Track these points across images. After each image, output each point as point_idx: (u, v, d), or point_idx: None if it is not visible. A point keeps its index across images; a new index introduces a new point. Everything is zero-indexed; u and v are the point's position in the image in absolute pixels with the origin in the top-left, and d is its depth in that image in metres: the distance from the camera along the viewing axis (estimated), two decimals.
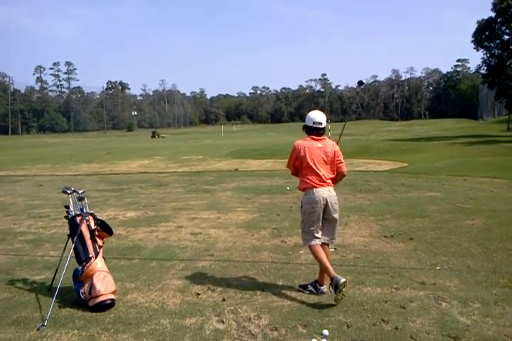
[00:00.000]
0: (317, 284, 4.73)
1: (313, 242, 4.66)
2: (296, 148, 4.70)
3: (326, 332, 3.70)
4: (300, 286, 4.80)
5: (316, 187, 4.63)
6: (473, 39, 39.66)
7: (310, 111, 4.93)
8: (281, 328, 3.89)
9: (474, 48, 39.92)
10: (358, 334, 3.72)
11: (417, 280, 5.00)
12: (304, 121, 4.80)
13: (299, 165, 4.72)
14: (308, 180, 4.65)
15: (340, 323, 3.96)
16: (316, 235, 4.67)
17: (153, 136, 62.36)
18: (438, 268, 5.40)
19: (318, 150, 4.67)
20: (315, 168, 4.64)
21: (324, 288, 4.69)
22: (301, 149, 4.66)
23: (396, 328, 3.84)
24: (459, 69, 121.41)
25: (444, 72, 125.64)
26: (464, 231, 7.04)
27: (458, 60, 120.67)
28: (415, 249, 6.18)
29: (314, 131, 4.71)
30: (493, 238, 6.65)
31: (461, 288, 4.74)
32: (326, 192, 4.66)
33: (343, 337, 3.68)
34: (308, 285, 4.74)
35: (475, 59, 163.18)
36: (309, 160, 4.63)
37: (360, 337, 3.63)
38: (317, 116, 4.73)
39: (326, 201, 4.65)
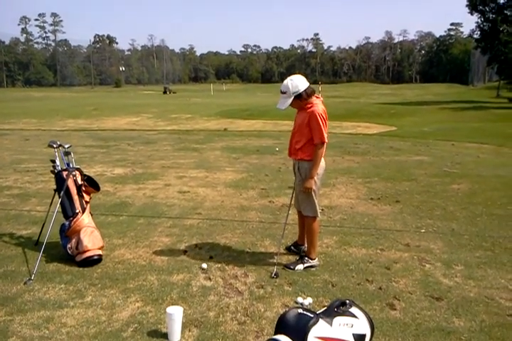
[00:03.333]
0: (309, 259, 4.37)
1: (316, 214, 4.37)
2: (323, 115, 4.11)
3: (300, 299, 3.70)
4: (287, 266, 4.34)
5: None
6: (467, 3, 38.87)
7: (301, 71, 4.63)
8: (268, 286, 3.95)
9: (469, 12, 39.19)
10: (343, 293, 3.79)
11: (401, 242, 5.07)
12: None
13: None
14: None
15: (325, 282, 4.03)
16: (318, 205, 4.39)
17: (165, 92, 62.31)
18: (423, 230, 5.48)
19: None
20: None
21: (316, 261, 4.40)
22: (324, 117, 4.12)
23: (380, 288, 3.91)
24: (452, 33, 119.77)
25: (437, 35, 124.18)
26: (449, 195, 7.12)
27: (452, 24, 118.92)
28: (401, 212, 6.25)
29: (311, 90, 4.16)
30: (478, 202, 6.73)
31: (444, 250, 4.83)
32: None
33: (327, 296, 3.75)
34: (298, 266, 4.30)
35: (469, 23, 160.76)
36: (326, 125, 4.19)
37: (344, 296, 3.70)
38: (303, 77, 4.24)
39: (324, 169, 4.43)
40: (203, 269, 4.30)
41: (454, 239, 5.17)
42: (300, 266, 4.30)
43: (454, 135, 15.66)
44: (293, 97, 4.10)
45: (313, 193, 4.29)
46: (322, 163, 4.29)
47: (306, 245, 4.59)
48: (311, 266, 4.34)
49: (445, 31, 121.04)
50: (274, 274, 4.14)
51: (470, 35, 45.37)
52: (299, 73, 4.49)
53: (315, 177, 4.23)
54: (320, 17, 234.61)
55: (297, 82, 4.10)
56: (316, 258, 4.42)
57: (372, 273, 4.22)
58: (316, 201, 4.33)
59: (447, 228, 5.58)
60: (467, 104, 30.22)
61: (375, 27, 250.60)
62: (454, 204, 6.65)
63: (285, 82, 4.16)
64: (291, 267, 4.30)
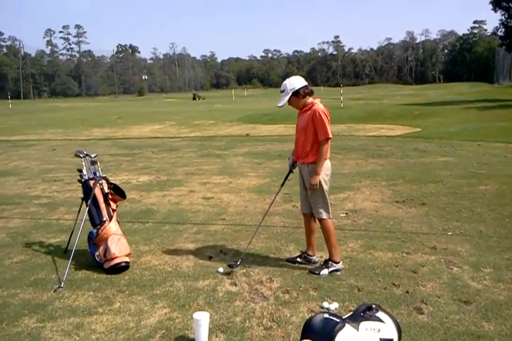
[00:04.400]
0: (333, 263, 4.32)
1: (331, 215, 4.40)
2: (325, 113, 4.19)
3: (326, 304, 3.69)
4: (311, 272, 4.32)
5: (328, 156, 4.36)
6: (491, 0, 38.23)
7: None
8: (293, 291, 3.95)
9: (492, 9, 38.53)
10: (369, 298, 3.77)
11: (428, 245, 5.01)
12: (312, 84, 4.51)
13: None
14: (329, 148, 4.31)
15: (351, 287, 4.01)
16: (329, 207, 4.41)
17: (194, 98, 63.12)
18: (450, 233, 5.40)
19: None
20: None
21: (341, 264, 4.36)
22: (327, 114, 4.20)
23: (407, 292, 3.87)
24: (475, 31, 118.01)
25: (460, 34, 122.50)
26: (476, 197, 7.01)
27: (475, 22, 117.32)
28: (427, 214, 6.18)
29: (310, 89, 4.26)
30: (506, 203, 6.61)
31: (472, 253, 4.75)
32: None
33: (353, 301, 3.73)
34: (323, 270, 4.27)
35: (492, 20, 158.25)
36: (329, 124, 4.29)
37: (370, 300, 3.67)
38: (300, 77, 4.36)
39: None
40: (219, 273, 4.35)
41: (482, 242, 5.08)
42: (325, 271, 4.27)
43: (479, 135, 15.39)
44: (290, 94, 4.22)
45: (325, 193, 4.31)
46: (328, 164, 4.34)
47: (315, 256, 4.57)
48: (336, 270, 4.31)
49: (468, 29, 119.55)
50: (231, 264, 4.37)
51: (494, 33, 44.50)
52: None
53: (325, 178, 4.29)
54: (340, 19, 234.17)
55: (294, 81, 4.27)
56: (341, 262, 4.38)
57: (398, 277, 4.19)
58: (325, 203, 4.34)
59: (475, 230, 5.49)
60: (492, 102, 29.65)
61: (396, 27, 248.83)
62: (481, 205, 6.55)
63: (284, 82, 4.32)
64: (316, 272, 4.28)
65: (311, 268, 4.37)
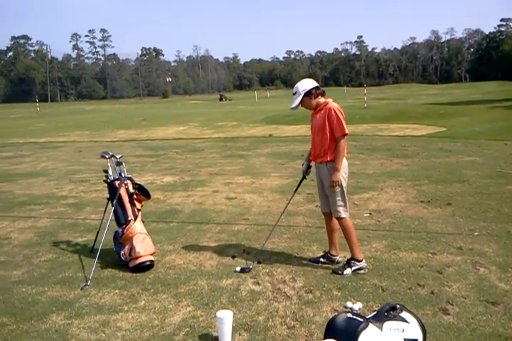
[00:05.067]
0: (356, 262, 4.30)
1: (348, 214, 4.38)
2: (340, 111, 4.22)
3: (349, 304, 3.67)
4: (335, 272, 4.31)
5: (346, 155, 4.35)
6: None
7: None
8: (316, 291, 3.95)
9: None
10: (393, 298, 3.74)
11: (454, 245, 4.94)
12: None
13: None
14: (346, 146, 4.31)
15: (375, 287, 3.98)
16: (348, 205, 4.40)
17: (221, 99, 63.79)
18: (476, 233, 5.32)
19: None
20: None
21: (364, 263, 4.34)
22: (342, 111, 4.25)
23: (432, 292, 3.83)
24: (502, 29, 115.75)
25: (487, 32, 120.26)
26: (504, 197, 6.88)
27: (501, 20, 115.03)
28: (453, 214, 6.09)
29: (321, 90, 4.35)
30: None
31: (500, 253, 4.67)
32: None
33: (377, 301, 3.70)
34: (346, 270, 4.26)
35: None
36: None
37: (395, 300, 3.64)
38: (311, 79, 4.43)
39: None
40: (236, 272, 4.39)
41: (510, 242, 4.99)
42: (348, 271, 4.25)
43: (506, 134, 15.07)
44: (302, 95, 4.28)
45: (344, 192, 4.30)
46: (345, 163, 4.32)
47: (338, 256, 4.55)
48: (360, 269, 4.28)
49: (495, 27, 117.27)
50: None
51: None
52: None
53: (344, 176, 4.28)
54: (363, 19, 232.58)
55: (305, 82, 4.35)
56: (363, 260, 4.35)
57: (423, 278, 4.14)
58: (343, 202, 4.31)
59: (502, 230, 5.39)
60: None
61: (420, 26, 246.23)
62: (508, 205, 6.42)
63: (296, 84, 4.39)
64: (340, 272, 4.26)
65: (334, 268, 4.36)
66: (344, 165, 4.29)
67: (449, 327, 3.28)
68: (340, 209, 4.30)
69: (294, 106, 4.37)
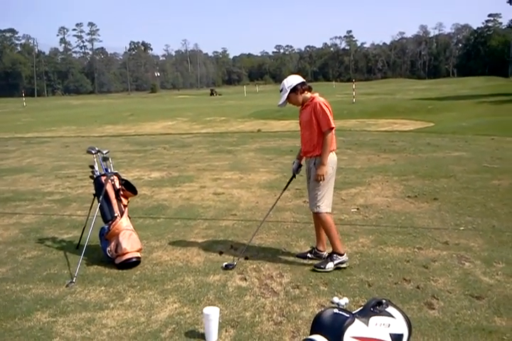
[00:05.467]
0: (337, 256, 4.28)
1: (328, 209, 4.32)
2: (326, 105, 4.19)
3: (336, 299, 3.68)
4: (317, 267, 4.29)
5: (334, 148, 4.31)
6: None
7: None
8: (303, 286, 3.95)
9: (508, 2, 38.07)
10: (380, 293, 3.75)
11: (440, 240, 4.98)
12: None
13: None
14: (334, 140, 4.26)
15: (361, 282, 4.00)
16: (331, 201, 4.35)
17: (212, 94, 63.81)
18: (462, 228, 5.36)
19: None
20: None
21: (345, 256, 4.33)
22: (328, 105, 4.21)
23: (418, 287, 3.85)
24: (490, 24, 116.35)
25: (475, 27, 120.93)
26: (490, 192, 6.94)
27: (489, 15, 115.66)
28: (439, 209, 6.13)
29: (308, 85, 4.33)
30: None
31: (485, 248, 4.71)
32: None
33: (364, 296, 3.72)
34: (328, 264, 4.24)
35: (508, 13, 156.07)
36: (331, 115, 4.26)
37: (381, 295, 3.66)
38: (297, 75, 4.41)
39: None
40: (223, 268, 4.38)
41: (495, 236, 5.03)
42: (330, 265, 4.24)
43: (493, 129, 15.20)
44: (289, 91, 4.27)
45: (329, 187, 4.27)
46: (335, 158, 4.31)
47: (325, 252, 4.52)
48: (342, 262, 4.27)
49: (483, 23, 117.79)
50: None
51: (509, 26, 44.12)
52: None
53: (330, 171, 4.24)
54: (352, 14, 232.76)
55: (291, 78, 4.35)
56: (345, 254, 4.33)
57: (409, 272, 4.16)
58: (330, 196, 4.30)
59: (488, 225, 5.44)
60: (507, 96, 29.25)
61: (409, 22, 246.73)
62: (494, 200, 6.48)
63: (282, 81, 4.38)
64: (322, 266, 4.24)
65: (316, 264, 4.32)
66: (332, 159, 4.27)
67: (434, 322, 3.30)
68: (321, 204, 4.26)
69: (281, 103, 4.36)
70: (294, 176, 4.69)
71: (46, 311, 3.61)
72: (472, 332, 3.14)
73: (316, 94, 4.33)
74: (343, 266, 4.27)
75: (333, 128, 4.18)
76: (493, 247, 4.72)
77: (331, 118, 4.18)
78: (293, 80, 4.31)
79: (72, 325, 3.39)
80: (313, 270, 4.25)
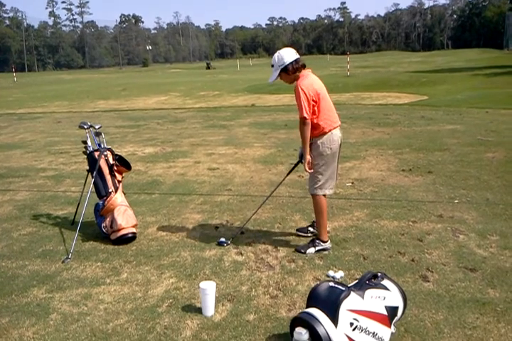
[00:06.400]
0: (320, 242, 4.16)
1: (328, 191, 4.12)
2: (303, 91, 3.86)
3: (331, 272, 3.72)
4: (298, 250, 4.18)
5: (336, 126, 4.06)
6: None
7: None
8: (299, 260, 3.97)
9: None
10: (375, 266, 3.78)
11: (434, 213, 5.00)
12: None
13: (315, 107, 3.95)
14: (329, 119, 4.00)
15: (356, 255, 4.02)
16: (332, 182, 4.14)
17: (208, 67, 64.14)
18: (456, 201, 5.38)
19: (321, 82, 4.13)
20: (331, 104, 4.07)
21: (328, 244, 4.19)
22: (310, 90, 3.88)
23: (412, 260, 3.88)
24: None
25: None
26: (484, 164, 6.95)
27: None
28: (434, 183, 6.15)
29: (300, 63, 3.98)
30: None
31: (479, 220, 4.74)
32: (339, 131, 4.14)
33: (359, 269, 3.75)
34: (309, 249, 4.13)
35: None
36: (323, 96, 3.97)
37: (376, 268, 3.69)
38: (291, 49, 4.04)
39: (340, 140, 4.14)
40: (217, 244, 4.36)
41: (489, 209, 5.06)
42: (311, 250, 4.11)
43: (488, 102, 15.16)
44: (279, 70, 3.98)
45: (321, 170, 4.05)
46: (335, 137, 4.04)
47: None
48: (324, 249, 4.13)
49: None
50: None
51: None
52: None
53: (327, 152, 4.02)
54: None
55: (283, 55, 3.98)
56: (328, 241, 4.19)
57: (404, 246, 4.19)
58: (322, 179, 4.06)
59: (482, 198, 5.46)
60: (501, 69, 29.05)
61: None
62: (488, 173, 6.50)
63: (274, 54, 4.05)
64: (302, 250, 4.13)
65: (297, 247, 4.21)
66: (330, 139, 4.00)
67: (429, 294, 3.33)
68: (316, 186, 4.08)
69: (271, 80, 4.12)
70: (300, 161, 4.34)
71: (43, 287, 3.62)
72: (466, 304, 3.18)
73: (306, 73, 4.02)
74: (325, 252, 4.11)
75: (305, 118, 3.89)
76: (487, 220, 4.75)
77: (305, 106, 3.87)
78: (285, 58, 3.95)
79: (69, 300, 3.41)
80: (295, 251, 4.17)
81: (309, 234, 4.46)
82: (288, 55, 3.98)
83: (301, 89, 3.88)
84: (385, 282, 2.92)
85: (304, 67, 4.03)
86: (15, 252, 4.35)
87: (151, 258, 4.13)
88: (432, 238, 4.35)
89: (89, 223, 4.86)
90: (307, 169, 4.04)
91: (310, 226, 4.55)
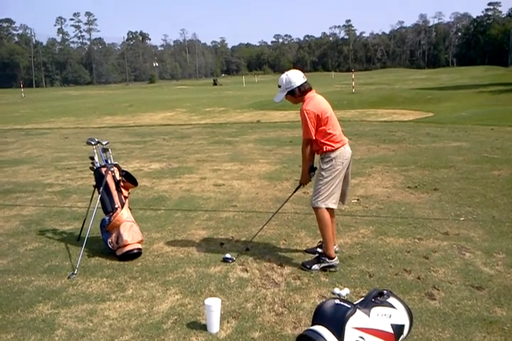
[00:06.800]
0: (326, 258, 4.10)
1: (331, 205, 4.09)
2: (310, 115, 3.94)
3: (337, 290, 3.71)
4: (303, 265, 4.17)
5: (344, 143, 4.10)
6: None
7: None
8: (304, 277, 3.96)
9: None
10: (380, 284, 3.77)
11: (440, 230, 4.99)
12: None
13: (322, 129, 4.01)
14: (336, 137, 4.05)
15: (362, 273, 4.01)
16: (336, 197, 4.12)
17: (215, 84, 65.63)
18: (462, 218, 5.37)
19: (326, 102, 4.13)
20: (337, 123, 4.12)
21: (335, 260, 4.12)
22: (316, 113, 3.95)
23: (418, 278, 3.86)
24: (489, 13, 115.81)
25: (474, 16, 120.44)
26: (489, 182, 6.94)
27: (489, 4, 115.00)
28: (439, 200, 6.14)
29: (307, 87, 4.06)
30: None
31: (485, 238, 4.72)
32: (349, 148, 4.19)
33: (365, 287, 3.73)
34: (314, 265, 4.10)
35: (507, 2, 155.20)
36: (331, 115, 4.05)
37: (382, 286, 3.67)
38: (298, 72, 4.10)
39: (351, 158, 4.18)
40: (222, 261, 4.36)
41: (495, 227, 5.04)
42: (316, 266, 4.08)
43: (493, 119, 15.18)
44: (286, 92, 4.07)
45: (333, 182, 4.05)
46: (347, 154, 4.11)
47: (336, 246, 4.43)
48: (330, 266, 4.07)
49: (482, 12, 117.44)
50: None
51: (509, 15, 43.84)
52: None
53: (336, 167, 4.04)
54: (351, 3, 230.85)
55: (291, 78, 4.05)
56: (335, 257, 4.12)
57: (410, 263, 4.18)
58: (326, 192, 4.05)
59: (488, 215, 5.45)
60: (507, 86, 29.13)
61: (408, 10, 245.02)
62: (494, 190, 6.48)
63: (282, 75, 4.12)
64: (307, 266, 4.10)
65: (303, 262, 4.19)
66: (342, 154, 4.05)
67: (435, 312, 3.31)
68: (318, 199, 4.07)
69: (277, 101, 4.18)
70: (301, 184, 4.41)
71: (48, 303, 3.62)
72: (473, 323, 3.16)
73: (311, 95, 4.08)
74: (332, 269, 4.07)
75: (309, 138, 4.01)
76: (494, 238, 4.73)
77: (310, 127, 3.96)
78: (292, 81, 4.02)
79: (75, 316, 3.41)
80: (301, 266, 4.15)
81: (316, 254, 4.38)
82: (295, 78, 4.05)
83: (307, 113, 3.96)
84: (391, 300, 2.90)
85: (310, 90, 4.09)
86: (21, 267, 4.36)
87: (157, 274, 4.13)
88: (438, 255, 4.33)
89: (95, 239, 4.87)
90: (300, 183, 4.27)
91: (318, 247, 4.48)
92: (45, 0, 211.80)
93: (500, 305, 3.38)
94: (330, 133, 4.03)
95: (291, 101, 4.21)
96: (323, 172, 4.07)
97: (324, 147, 4.05)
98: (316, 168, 4.24)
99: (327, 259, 4.10)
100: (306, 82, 4.07)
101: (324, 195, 4.07)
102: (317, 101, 4.05)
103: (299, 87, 4.03)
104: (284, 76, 4.10)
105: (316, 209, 4.12)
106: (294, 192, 4.66)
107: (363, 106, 21.95)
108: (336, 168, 4.05)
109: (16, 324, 3.33)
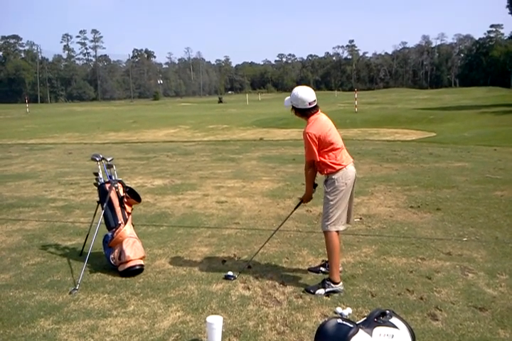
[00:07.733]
0: (331, 283, 4.02)
1: (341, 227, 4.09)
2: (311, 138, 3.98)
3: (339, 309, 3.70)
4: (307, 290, 4.06)
5: (347, 163, 4.10)
6: (508, 3, 38.04)
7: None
8: (306, 296, 3.95)
9: (509, 13, 38.35)
10: (383, 304, 3.75)
11: (443, 250, 4.97)
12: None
13: (324, 151, 4.05)
14: (340, 158, 4.07)
15: (364, 292, 3.99)
16: (343, 218, 4.12)
17: (220, 102, 66.83)
18: (465, 239, 5.36)
19: (330, 123, 4.17)
20: (340, 143, 4.14)
21: (340, 285, 4.05)
22: (319, 135, 3.99)
23: (421, 298, 3.85)
24: (492, 35, 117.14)
25: (477, 38, 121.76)
26: (492, 202, 6.94)
27: (491, 26, 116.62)
28: (442, 220, 6.13)
29: (312, 111, 4.10)
30: None
31: (488, 259, 4.70)
32: (354, 167, 4.20)
33: (367, 306, 3.71)
34: (318, 290, 4.01)
35: (510, 24, 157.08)
36: (335, 136, 4.08)
37: (384, 306, 3.65)
38: (309, 94, 4.07)
39: (355, 177, 4.18)
40: (224, 278, 4.35)
41: (498, 248, 5.03)
42: (321, 291, 3.98)
43: (496, 140, 15.25)
44: (291, 106, 4.15)
45: (335, 206, 4.04)
46: (350, 173, 4.11)
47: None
48: (334, 291, 3.98)
49: (485, 33, 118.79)
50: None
51: (511, 37, 44.29)
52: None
53: (339, 189, 4.04)
54: (355, 23, 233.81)
55: (299, 98, 4.06)
56: (341, 283, 4.05)
57: (412, 283, 4.16)
58: (335, 216, 4.04)
59: (491, 236, 5.44)
60: (509, 107, 29.32)
61: (411, 31, 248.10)
62: (497, 211, 6.48)
63: (294, 90, 4.14)
64: (311, 291, 4.01)
65: (307, 287, 4.11)
66: (345, 175, 4.06)
67: (438, 333, 3.29)
68: (328, 223, 4.06)
69: (285, 105, 4.21)
70: (302, 201, 4.44)
71: (50, 318, 3.61)
72: None
73: (315, 117, 4.11)
74: (336, 295, 3.98)
75: (312, 161, 4.07)
76: (497, 258, 4.71)
77: (314, 150, 4.01)
78: (300, 102, 4.06)
79: (76, 332, 3.39)
80: (305, 290, 4.08)
81: (320, 274, 4.38)
82: (305, 100, 4.06)
83: (310, 137, 4.00)
84: (394, 320, 2.89)
85: (315, 112, 4.13)
86: (23, 282, 4.35)
87: (158, 290, 4.12)
88: (441, 276, 4.32)
89: (97, 254, 4.87)
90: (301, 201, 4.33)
91: (322, 266, 4.49)
92: (52, 17, 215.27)
93: (504, 327, 3.35)
94: (331, 155, 4.06)
95: (295, 115, 4.25)
96: (328, 196, 4.08)
97: (326, 169, 4.08)
98: (317, 185, 4.29)
99: (332, 284, 4.02)
100: (312, 107, 4.08)
101: (334, 218, 4.06)
102: (321, 124, 4.08)
103: (300, 109, 4.10)
104: (296, 92, 4.11)
105: (327, 232, 4.10)
106: (295, 209, 4.66)
107: (366, 126, 22.07)
108: (340, 189, 4.04)
109: (17, 339, 3.31)
